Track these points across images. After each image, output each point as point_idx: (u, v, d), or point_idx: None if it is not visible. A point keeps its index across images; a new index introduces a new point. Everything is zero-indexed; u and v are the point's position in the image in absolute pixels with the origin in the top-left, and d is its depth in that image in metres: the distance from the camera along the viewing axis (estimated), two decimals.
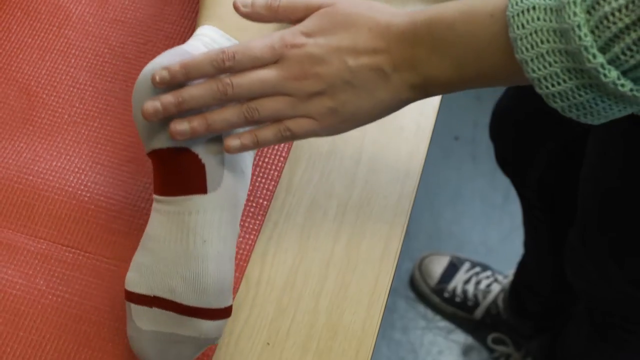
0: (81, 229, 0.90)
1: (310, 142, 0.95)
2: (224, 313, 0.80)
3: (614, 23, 0.63)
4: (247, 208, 0.91)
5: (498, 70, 0.73)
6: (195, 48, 0.82)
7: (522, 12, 0.68)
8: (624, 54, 0.64)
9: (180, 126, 0.77)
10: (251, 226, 0.90)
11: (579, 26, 0.64)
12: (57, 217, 0.90)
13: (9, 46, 1.00)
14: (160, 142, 0.80)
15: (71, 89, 0.98)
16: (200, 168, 0.80)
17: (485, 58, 0.73)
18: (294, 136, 0.79)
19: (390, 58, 0.76)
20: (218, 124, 0.78)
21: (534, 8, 0.67)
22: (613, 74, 0.64)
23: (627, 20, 0.62)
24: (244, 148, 0.79)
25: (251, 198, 0.92)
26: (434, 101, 0.99)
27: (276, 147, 0.94)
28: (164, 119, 0.78)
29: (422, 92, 0.77)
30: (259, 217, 0.91)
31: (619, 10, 0.62)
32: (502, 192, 2.13)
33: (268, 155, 0.94)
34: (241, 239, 0.90)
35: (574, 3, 0.64)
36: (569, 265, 1.32)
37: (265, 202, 0.92)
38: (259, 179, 0.93)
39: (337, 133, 0.80)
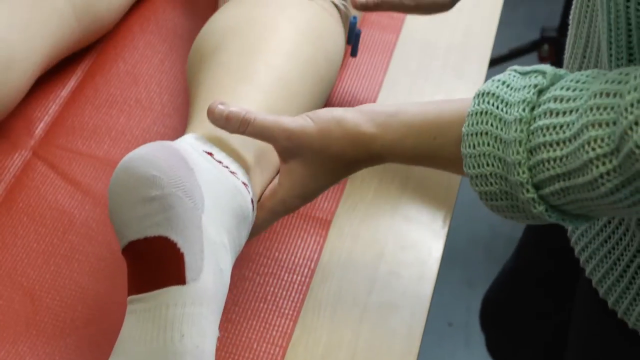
0: None
1: (304, 346, 0.98)
2: None
3: (548, 169, 0.71)
4: None
5: (443, 168, 0.86)
6: (180, 146, 0.84)
7: (476, 134, 0.76)
8: (552, 195, 0.72)
9: None
10: None
11: (519, 163, 0.73)
12: None
13: (15, 250, 1.04)
14: (138, 233, 0.79)
15: (74, 292, 1.01)
16: (179, 257, 0.78)
17: (436, 163, 0.85)
18: None
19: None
20: None
21: (486, 133, 0.75)
22: (541, 207, 0.73)
23: (558, 170, 0.70)
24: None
25: None
26: (424, 301, 1.02)
27: (270, 351, 0.96)
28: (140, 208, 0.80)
29: None
30: None
31: (554, 160, 0.70)
32: None
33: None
34: None
35: (520, 142, 0.72)
36: None
37: None
38: None
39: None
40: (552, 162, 0.71)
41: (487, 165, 0.75)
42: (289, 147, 0.87)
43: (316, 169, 0.88)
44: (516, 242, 1.40)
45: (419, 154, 0.84)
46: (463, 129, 0.77)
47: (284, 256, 1.04)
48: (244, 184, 0.89)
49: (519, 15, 2.86)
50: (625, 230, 0.88)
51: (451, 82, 1.24)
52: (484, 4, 1.35)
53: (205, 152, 0.87)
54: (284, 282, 1.02)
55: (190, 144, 0.87)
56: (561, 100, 0.72)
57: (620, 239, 0.89)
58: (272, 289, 1.01)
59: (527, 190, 0.73)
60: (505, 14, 1.45)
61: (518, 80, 0.76)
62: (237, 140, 0.91)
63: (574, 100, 0.71)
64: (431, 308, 1.02)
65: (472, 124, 0.76)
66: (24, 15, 1.11)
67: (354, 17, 1.14)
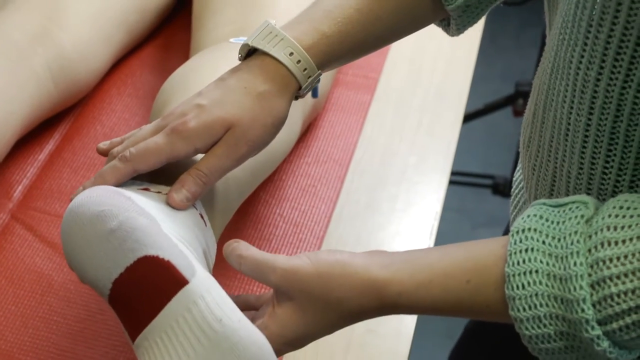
0: None
1: None
2: None
3: (618, 304, 0.67)
4: None
5: (477, 316, 0.77)
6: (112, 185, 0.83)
7: (524, 273, 0.70)
8: (620, 330, 0.68)
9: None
10: None
11: (583, 300, 0.67)
12: None
13: None
14: (118, 268, 0.76)
15: (52, 355, 1.01)
16: (168, 265, 0.75)
17: (468, 309, 0.75)
18: None
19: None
20: None
21: (536, 271, 0.70)
22: (605, 344, 0.68)
23: (631, 304, 0.66)
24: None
25: None
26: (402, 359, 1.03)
27: None
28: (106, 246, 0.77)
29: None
30: None
31: (625, 294, 0.66)
32: None
33: None
34: None
35: (581, 277, 0.68)
36: None
37: None
38: None
39: None
40: (622, 296, 0.67)
41: (541, 305, 0.70)
42: (282, 288, 0.79)
43: (312, 316, 0.78)
44: None
45: (448, 300, 0.75)
46: (506, 268, 0.71)
47: None
48: None
49: (496, 71, 2.89)
50: None
51: (425, 142, 1.26)
52: (456, 66, 1.37)
53: (140, 189, 0.85)
54: None
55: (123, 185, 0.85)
56: (615, 229, 0.68)
57: None
58: None
59: (592, 328, 0.68)
60: (481, 69, 1.47)
61: (555, 213, 0.72)
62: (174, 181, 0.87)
63: (631, 227, 0.68)
64: None
65: (517, 263, 0.71)
66: (1, 79, 1.12)
67: None
